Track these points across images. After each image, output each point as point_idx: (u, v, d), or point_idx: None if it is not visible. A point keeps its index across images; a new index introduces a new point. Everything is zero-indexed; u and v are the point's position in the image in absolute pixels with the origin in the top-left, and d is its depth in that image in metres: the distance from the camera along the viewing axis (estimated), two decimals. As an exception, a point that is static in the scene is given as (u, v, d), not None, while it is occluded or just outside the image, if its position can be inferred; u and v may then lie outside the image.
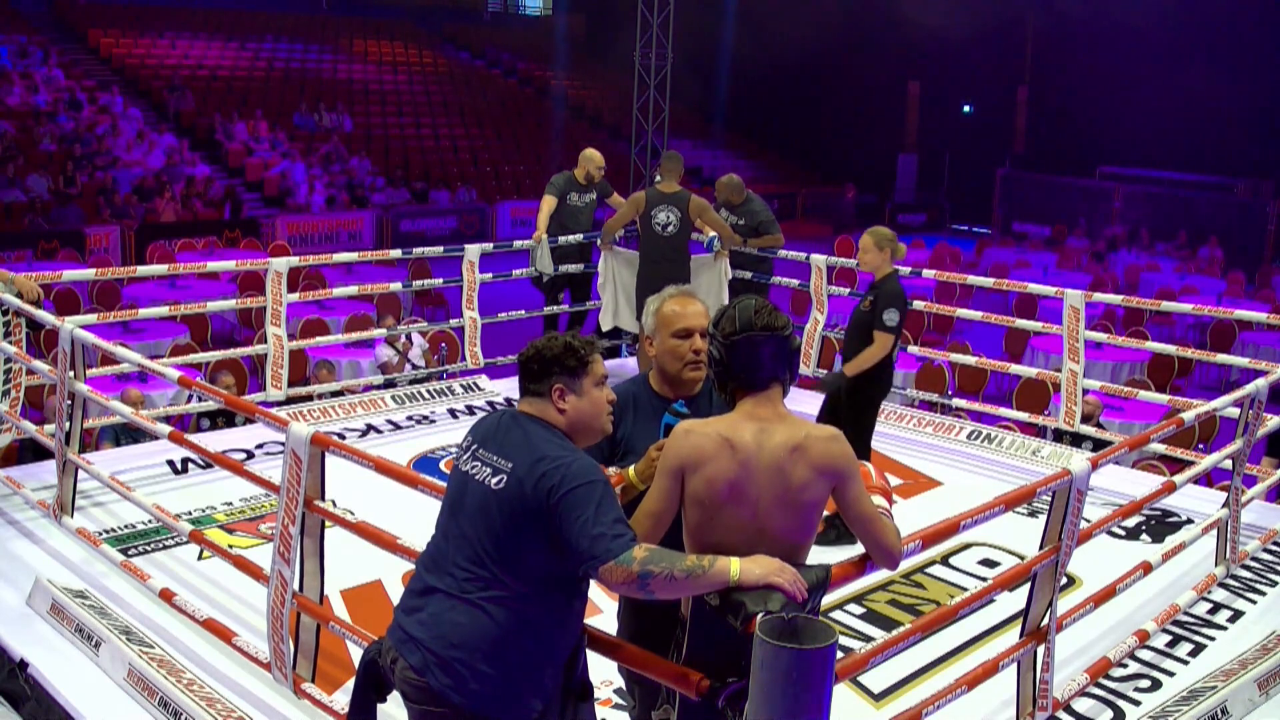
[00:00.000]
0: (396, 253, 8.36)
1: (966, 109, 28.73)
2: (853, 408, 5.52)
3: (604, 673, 3.46)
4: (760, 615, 2.49)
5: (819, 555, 2.93)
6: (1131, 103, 23.65)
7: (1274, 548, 5.43)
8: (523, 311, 8.16)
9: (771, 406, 2.75)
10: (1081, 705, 3.99)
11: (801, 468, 2.66)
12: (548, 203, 7.95)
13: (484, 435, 2.79)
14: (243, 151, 21.33)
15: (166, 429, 4.63)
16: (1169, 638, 4.52)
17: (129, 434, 6.93)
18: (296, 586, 3.66)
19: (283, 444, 3.67)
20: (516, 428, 2.75)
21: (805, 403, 7.81)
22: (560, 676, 2.72)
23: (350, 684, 3.94)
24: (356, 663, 4.04)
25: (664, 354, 3.16)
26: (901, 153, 29.19)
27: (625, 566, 2.49)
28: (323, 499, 3.64)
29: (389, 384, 8.37)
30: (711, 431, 2.70)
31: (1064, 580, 3.90)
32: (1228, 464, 4.97)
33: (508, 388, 7.79)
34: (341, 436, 6.31)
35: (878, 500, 2.83)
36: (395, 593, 4.62)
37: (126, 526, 5.17)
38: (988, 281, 8.49)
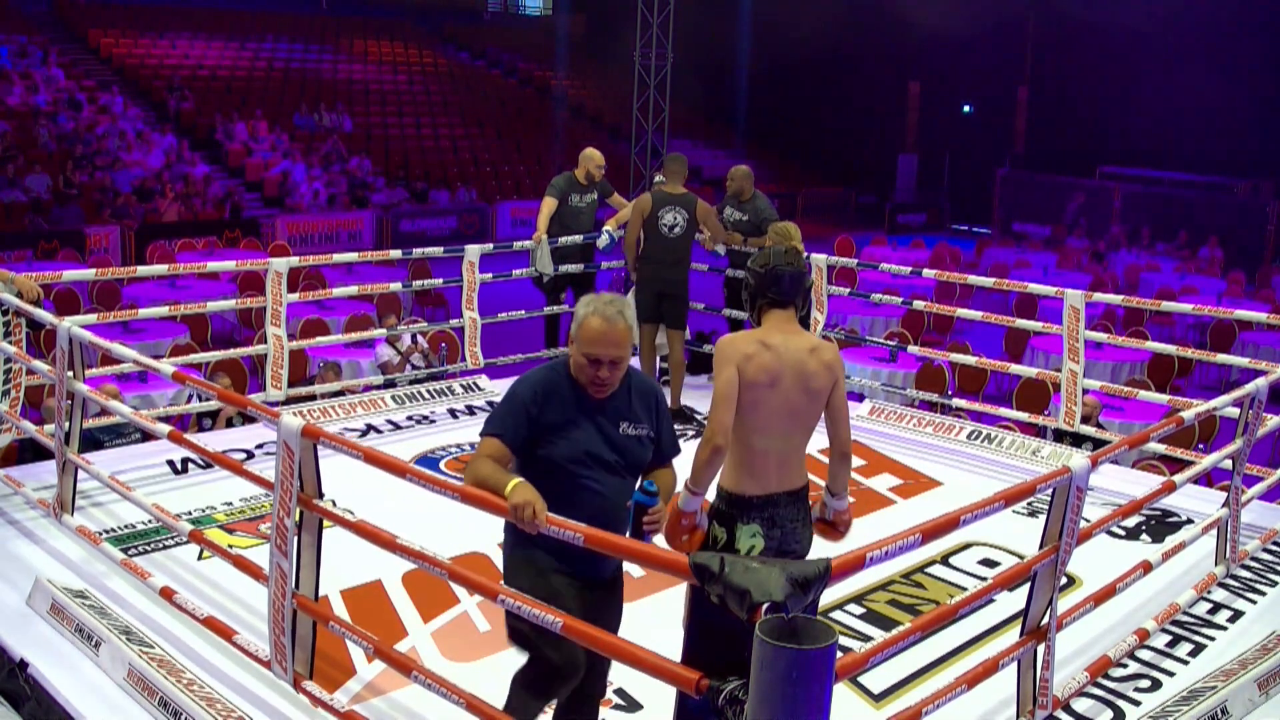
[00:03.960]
0: (396, 253, 8.36)
1: (966, 109, 28.73)
2: None
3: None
4: (764, 606, 2.49)
5: (812, 552, 2.94)
6: (1131, 103, 23.65)
7: (1274, 548, 5.43)
8: (522, 312, 8.16)
9: (790, 322, 3.61)
10: (1081, 705, 3.99)
11: (815, 362, 3.55)
12: (548, 204, 7.95)
13: None
14: (243, 151, 21.34)
15: (166, 428, 4.63)
16: (1169, 637, 4.52)
17: (111, 433, 6.91)
18: (294, 581, 3.66)
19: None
20: None
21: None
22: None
23: (350, 685, 3.95)
24: (355, 663, 4.05)
25: (574, 364, 3.31)
26: (901, 153, 29.19)
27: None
28: (320, 496, 3.64)
29: (389, 384, 8.37)
30: (751, 337, 3.56)
31: (1064, 580, 3.90)
32: (1228, 464, 4.97)
33: (507, 388, 7.78)
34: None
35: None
36: (395, 593, 4.63)
37: (126, 527, 5.17)
38: (988, 281, 8.49)
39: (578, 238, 7.98)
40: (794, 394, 3.51)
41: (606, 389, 3.27)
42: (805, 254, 6.94)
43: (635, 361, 7.57)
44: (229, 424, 7.56)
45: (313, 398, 7.39)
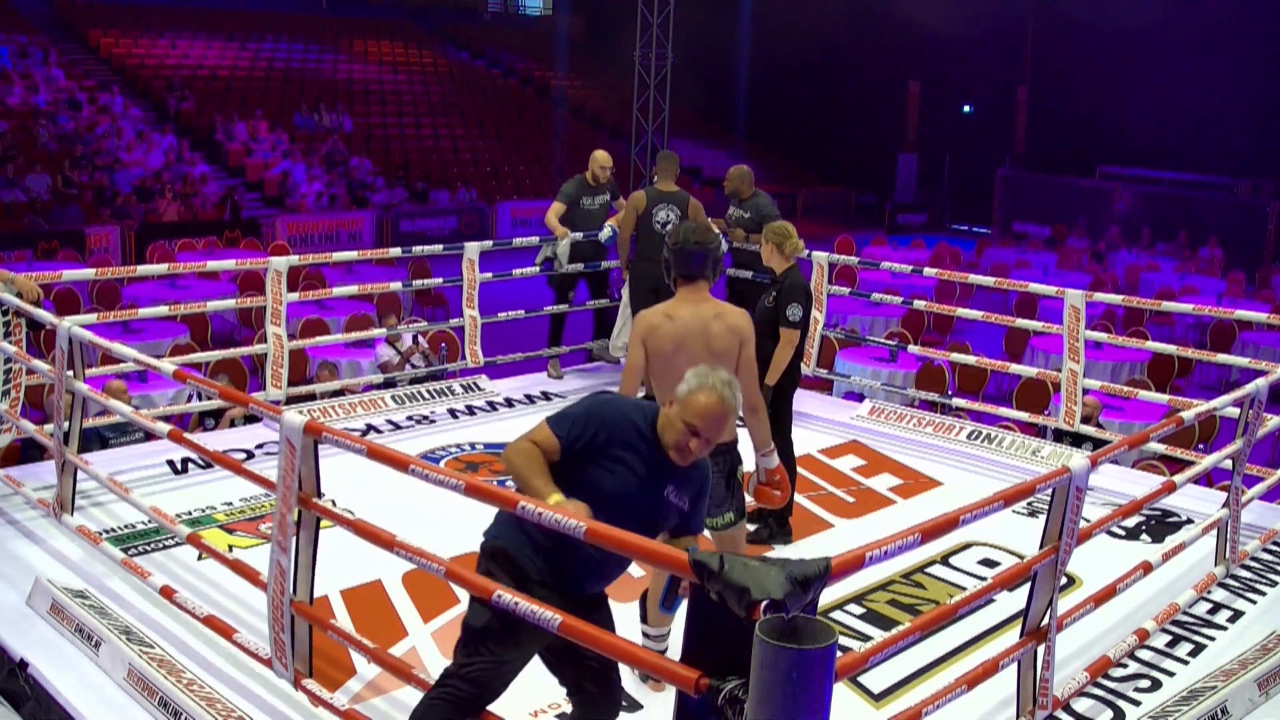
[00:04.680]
0: (396, 251, 8.34)
1: (966, 109, 28.73)
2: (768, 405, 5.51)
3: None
4: (763, 603, 2.49)
5: (800, 548, 2.93)
6: (1131, 103, 23.65)
7: (1274, 548, 5.43)
8: (523, 311, 8.16)
9: (700, 293, 4.15)
10: (1081, 705, 3.99)
11: (719, 326, 4.06)
12: (556, 208, 7.98)
13: None
14: (243, 151, 21.34)
15: (166, 427, 4.63)
16: (1169, 637, 4.52)
17: (116, 430, 6.91)
18: (293, 582, 3.66)
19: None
20: None
21: (808, 401, 7.81)
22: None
23: (349, 685, 3.95)
24: (355, 664, 4.05)
25: (669, 422, 3.21)
26: (901, 153, 29.19)
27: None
28: (318, 494, 3.64)
29: (389, 384, 8.37)
30: (658, 311, 4.10)
31: (1064, 580, 3.90)
32: (1228, 464, 4.96)
33: (508, 387, 7.79)
34: (341, 436, 6.30)
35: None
36: (395, 593, 4.63)
37: (126, 526, 5.17)
38: (988, 281, 8.48)
39: (579, 236, 8.01)
40: (699, 355, 3.96)
41: (688, 460, 3.21)
42: (807, 251, 6.97)
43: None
44: (232, 425, 7.56)
45: (312, 397, 7.38)
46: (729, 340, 4.07)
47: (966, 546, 5.32)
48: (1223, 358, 7.27)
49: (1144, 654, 4.36)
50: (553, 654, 3.32)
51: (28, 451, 6.48)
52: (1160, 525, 5.74)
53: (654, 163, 8.02)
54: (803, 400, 7.88)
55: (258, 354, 7.16)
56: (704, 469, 3.37)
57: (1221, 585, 4.96)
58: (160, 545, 5.02)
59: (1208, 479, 6.57)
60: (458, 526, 4.92)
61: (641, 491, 3.22)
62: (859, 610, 4.68)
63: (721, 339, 4.06)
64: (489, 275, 7.80)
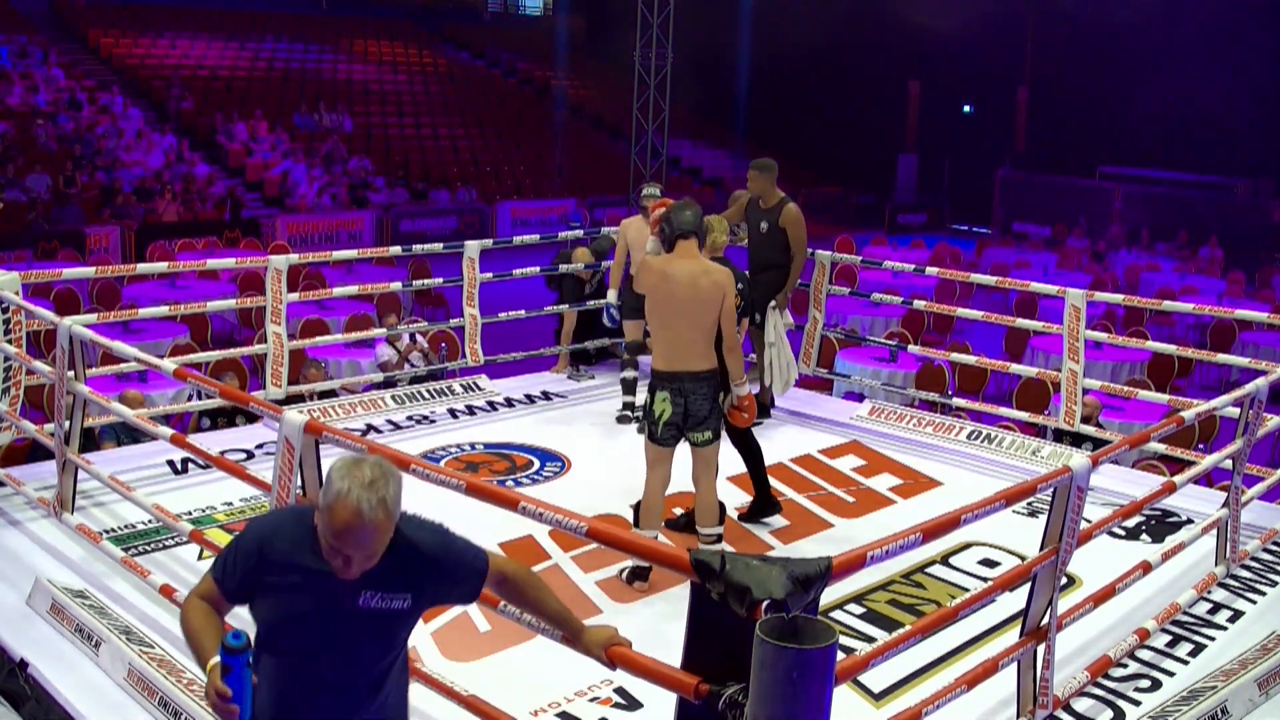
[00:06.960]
0: (396, 250, 8.33)
1: (966, 109, 28.73)
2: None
3: (604, 672, 3.44)
4: (765, 603, 2.49)
5: (800, 548, 2.94)
6: (1131, 103, 23.64)
7: (1274, 548, 5.43)
8: (523, 311, 8.16)
9: (691, 250, 4.90)
10: (1081, 705, 3.99)
11: (704, 280, 4.84)
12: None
13: None
14: (243, 151, 21.34)
15: (167, 431, 4.63)
16: (1169, 637, 4.52)
17: (129, 433, 6.93)
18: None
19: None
20: None
21: (808, 401, 7.82)
22: None
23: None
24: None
25: (320, 534, 2.58)
26: (901, 153, 29.19)
27: None
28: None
29: (389, 384, 8.37)
30: (656, 265, 4.93)
31: (1064, 580, 3.90)
32: (1228, 464, 4.97)
33: (507, 387, 7.79)
34: (341, 436, 6.29)
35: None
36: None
37: (126, 527, 5.17)
38: (990, 280, 8.48)
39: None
40: (685, 302, 4.82)
41: (350, 575, 2.58)
42: (810, 250, 6.97)
43: (645, 362, 7.55)
44: (231, 424, 7.56)
45: (312, 396, 7.38)
46: (712, 292, 4.83)
47: (967, 546, 5.32)
48: (1223, 358, 7.27)
49: (1144, 654, 4.36)
50: None
51: (39, 450, 6.48)
52: (1160, 525, 5.74)
53: (654, 163, 7.98)
54: (803, 400, 7.89)
55: (258, 354, 7.16)
56: (422, 547, 2.69)
57: (1221, 585, 4.96)
58: (160, 545, 5.02)
59: (1208, 479, 6.56)
60: (458, 526, 4.93)
61: (323, 611, 2.63)
62: (859, 610, 4.68)
63: (707, 290, 4.82)
64: (489, 275, 7.79)
